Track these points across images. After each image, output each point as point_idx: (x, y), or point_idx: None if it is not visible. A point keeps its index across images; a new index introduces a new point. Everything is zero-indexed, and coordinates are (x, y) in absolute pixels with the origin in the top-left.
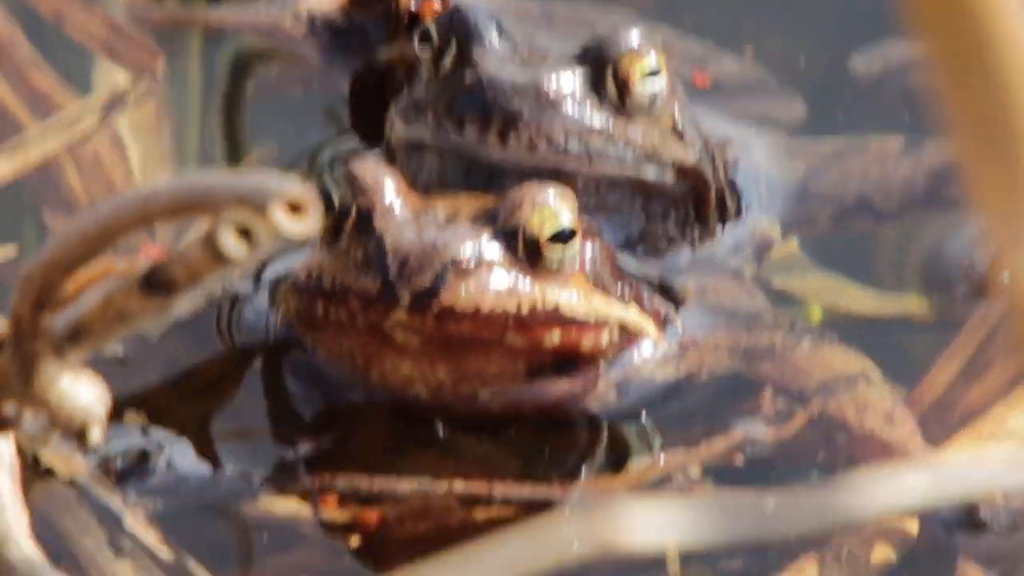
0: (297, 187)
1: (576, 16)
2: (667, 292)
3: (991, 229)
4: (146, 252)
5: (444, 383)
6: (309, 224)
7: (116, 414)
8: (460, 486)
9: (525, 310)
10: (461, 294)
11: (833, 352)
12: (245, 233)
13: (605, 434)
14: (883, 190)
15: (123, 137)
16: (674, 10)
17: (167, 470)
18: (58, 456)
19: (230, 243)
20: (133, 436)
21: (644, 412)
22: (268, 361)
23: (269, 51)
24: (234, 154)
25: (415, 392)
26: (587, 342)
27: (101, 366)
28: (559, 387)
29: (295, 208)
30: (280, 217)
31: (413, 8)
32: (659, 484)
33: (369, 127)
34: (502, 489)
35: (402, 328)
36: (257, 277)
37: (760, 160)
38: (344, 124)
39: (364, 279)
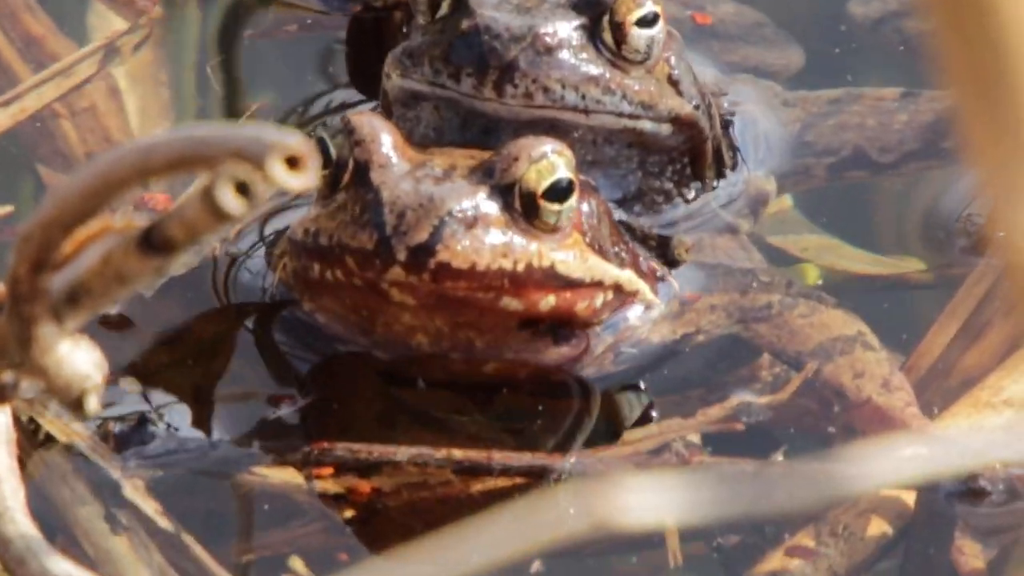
0: (295, 140)
1: None
2: (663, 249)
3: (986, 183)
4: (152, 201)
5: (443, 331)
6: (308, 177)
7: (112, 378)
8: (458, 455)
9: (521, 268)
10: (457, 249)
11: (830, 315)
12: (243, 188)
13: (600, 401)
14: (880, 141)
15: (120, 87)
16: None
17: (166, 436)
18: (56, 423)
19: (228, 198)
20: (131, 401)
21: (640, 377)
22: (264, 322)
23: None
24: (232, 104)
25: (416, 342)
26: (582, 303)
27: (96, 327)
28: (554, 351)
29: (293, 161)
30: (278, 171)
31: None
32: (656, 453)
33: (366, 75)
34: (500, 458)
35: (399, 286)
36: (253, 236)
37: (757, 111)
38: (342, 72)
39: (361, 235)
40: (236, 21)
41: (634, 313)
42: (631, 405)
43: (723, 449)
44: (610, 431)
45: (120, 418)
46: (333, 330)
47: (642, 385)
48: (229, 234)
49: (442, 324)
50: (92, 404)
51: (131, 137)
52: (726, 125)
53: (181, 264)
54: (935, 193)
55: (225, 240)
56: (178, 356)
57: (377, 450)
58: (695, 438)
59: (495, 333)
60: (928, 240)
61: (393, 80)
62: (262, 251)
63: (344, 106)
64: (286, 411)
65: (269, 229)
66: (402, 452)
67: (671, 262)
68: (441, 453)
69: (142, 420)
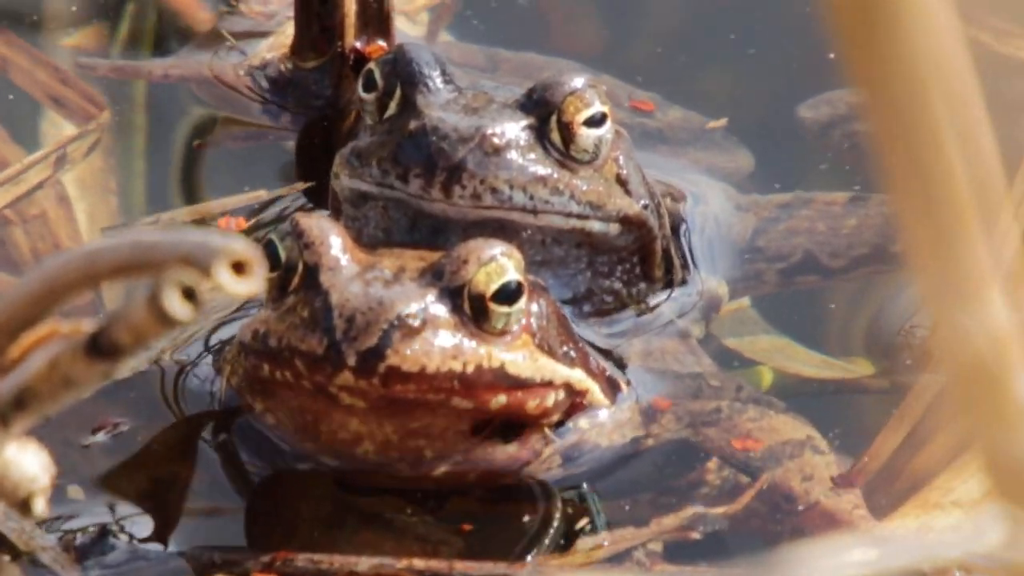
0: (241, 246)
1: (521, 63)
2: (612, 356)
3: (927, 294)
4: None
5: (391, 440)
6: (254, 284)
7: (59, 482)
8: (420, 564)
9: (471, 370)
10: (407, 354)
11: (779, 419)
12: (189, 293)
13: (550, 505)
14: (830, 246)
15: (69, 194)
16: (620, 60)
17: (126, 546)
18: (17, 533)
19: (175, 304)
20: (84, 508)
21: (589, 480)
22: (213, 428)
23: (214, 103)
24: (180, 209)
25: (363, 450)
26: (532, 403)
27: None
28: (504, 453)
29: (239, 267)
30: (225, 276)
31: (359, 46)
32: (617, 560)
33: (316, 177)
34: (461, 568)
35: (348, 390)
36: (201, 342)
37: (707, 214)
38: (291, 176)
39: (310, 339)
40: (184, 129)
41: (585, 416)
42: (582, 509)
43: (675, 554)
44: (562, 537)
45: (81, 529)
46: (283, 434)
47: (592, 489)
48: (178, 339)
49: (391, 432)
50: (39, 506)
51: (81, 243)
52: (677, 227)
53: (128, 368)
54: (881, 301)
55: (174, 345)
56: (128, 461)
57: (339, 560)
58: (656, 546)
59: (445, 440)
60: (875, 348)
61: (342, 180)
62: (210, 358)
63: (294, 209)
64: (237, 515)
65: (217, 335)
66: (363, 562)
67: (621, 366)
68: (403, 563)
69: (103, 531)
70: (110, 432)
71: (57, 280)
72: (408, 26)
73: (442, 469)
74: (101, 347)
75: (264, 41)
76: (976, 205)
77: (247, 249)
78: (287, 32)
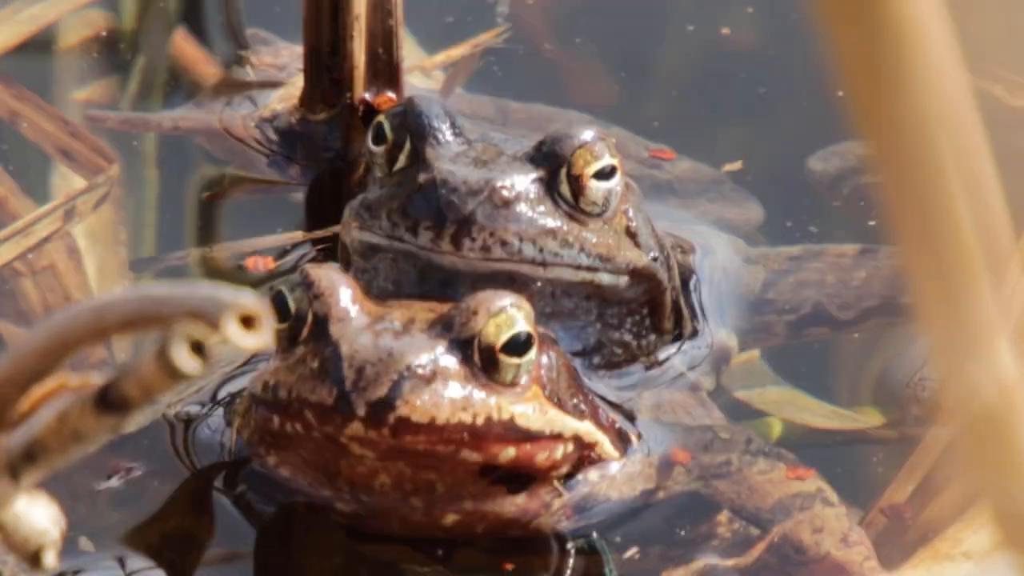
0: (250, 300)
1: (531, 115)
2: (622, 408)
3: (936, 345)
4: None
5: (406, 473)
6: (262, 337)
7: (70, 535)
8: None
9: (480, 422)
10: (417, 405)
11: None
12: (198, 347)
13: (560, 557)
14: (839, 298)
15: (79, 245)
16: (630, 111)
17: None
18: None
19: (183, 358)
20: (94, 561)
21: (600, 533)
22: (223, 479)
23: (223, 155)
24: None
25: (380, 482)
26: (542, 456)
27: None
28: (514, 505)
29: (248, 320)
30: (234, 330)
31: (369, 98)
32: None
33: (325, 229)
34: None
35: (358, 441)
36: (211, 394)
37: (717, 266)
38: (301, 227)
39: (320, 390)
40: (194, 181)
41: (595, 469)
42: (592, 562)
43: None
44: None
45: None
46: (295, 484)
47: (603, 541)
48: (187, 392)
49: (404, 467)
50: (50, 559)
51: (90, 295)
52: (687, 279)
53: (136, 422)
54: (890, 353)
55: (183, 397)
56: (138, 513)
57: None
58: None
59: (456, 476)
60: (884, 399)
61: (351, 233)
62: (220, 410)
63: (303, 259)
64: (247, 568)
65: (228, 387)
66: None
67: (631, 419)
68: None
69: None
70: (123, 477)
71: (66, 334)
72: (423, 80)
73: (452, 518)
74: (110, 400)
75: (274, 93)
76: (984, 257)
77: (255, 303)
78: (297, 84)
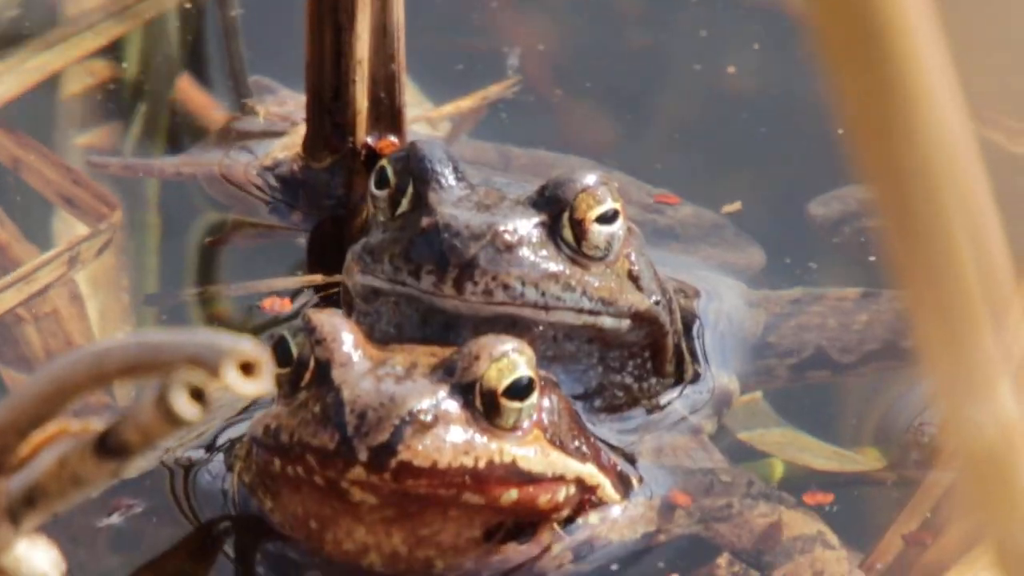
0: (249, 347)
1: (533, 160)
2: (624, 452)
3: (938, 389)
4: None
5: (399, 551)
6: (262, 384)
7: None
8: None
9: (482, 465)
10: (419, 449)
11: (790, 514)
12: (197, 393)
13: None
14: (840, 342)
15: (81, 291)
16: (632, 156)
17: None
18: None
19: (183, 404)
20: None
21: None
22: (226, 529)
23: (225, 201)
24: (193, 309)
25: (368, 562)
26: (544, 498)
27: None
28: (515, 552)
29: (247, 367)
30: (233, 377)
31: (371, 143)
32: None
33: (328, 274)
34: None
35: (360, 485)
36: (211, 440)
37: (719, 310)
38: (303, 271)
39: (322, 435)
40: (196, 227)
41: (596, 512)
42: None
43: None
44: None
45: None
46: (288, 537)
47: None
48: (186, 437)
49: (399, 542)
50: None
51: (93, 341)
52: (689, 323)
53: (136, 468)
54: (891, 397)
55: (184, 442)
56: (135, 559)
57: None
58: None
59: (456, 549)
60: (887, 442)
61: (354, 277)
62: (221, 455)
63: (306, 305)
64: None
65: (229, 432)
66: None
67: (632, 462)
68: None
69: None
70: (124, 514)
71: (65, 380)
72: (429, 131)
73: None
74: (110, 446)
75: (277, 141)
76: (986, 300)
77: (255, 350)
78: (300, 132)
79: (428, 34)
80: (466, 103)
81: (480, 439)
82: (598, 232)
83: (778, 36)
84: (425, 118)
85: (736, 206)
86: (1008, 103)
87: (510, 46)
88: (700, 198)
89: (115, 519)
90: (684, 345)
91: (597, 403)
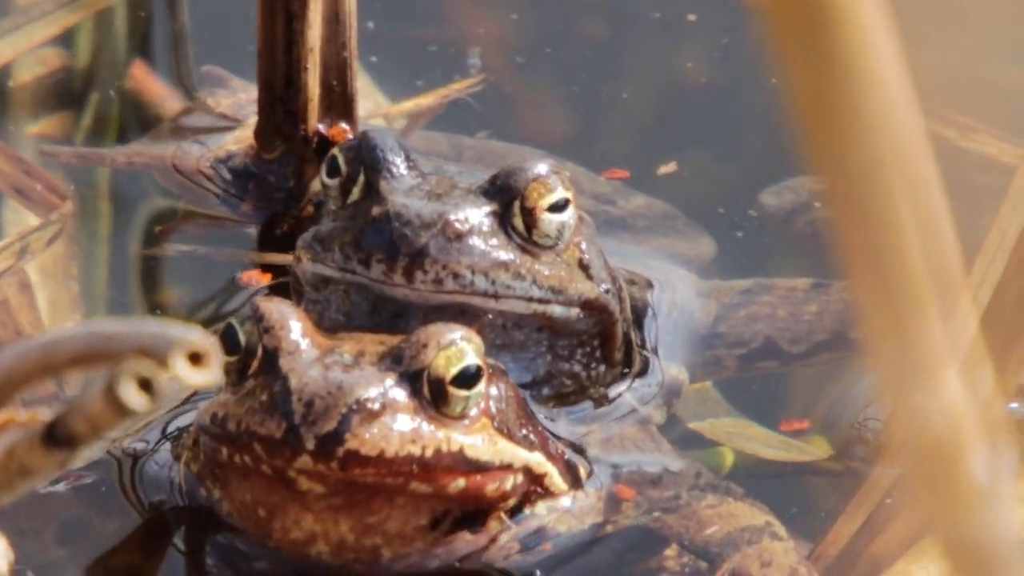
0: (198, 337)
1: (485, 150)
2: (572, 442)
3: (885, 379)
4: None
5: (347, 540)
6: (210, 374)
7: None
8: None
9: (430, 454)
10: (366, 438)
11: (738, 505)
12: (146, 383)
13: None
14: (790, 332)
15: (31, 281)
16: (584, 148)
17: None
18: None
19: (131, 394)
20: None
21: (548, 568)
22: (174, 519)
23: (176, 191)
24: (142, 298)
25: (316, 551)
26: (491, 487)
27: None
28: (463, 541)
29: (196, 357)
30: (181, 367)
31: (323, 130)
32: None
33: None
34: None
35: (307, 474)
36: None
37: (672, 300)
38: (252, 262)
39: (269, 423)
40: (146, 217)
41: (544, 502)
42: None
43: None
44: None
45: None
46: (235, 528)
47: None
48: (134, 427)
49: (346, 531)
50: None
51: (43, 330)
52: (640, 313)
53: (83, 458)
54: (838, 390)
55: (132, 433)
56: (84, 551)
57: None
58: None
59: (403, 536)
60: (834, 432)
61: (303, 264)
62: (168, 444)
63: (254, 293)
64: None
65: (176, 422)
66: None
67: (581, 453)
68: None
69: None
70: (71, 483)
71: (13, 370)
72: (384, 125)
73: (399, 566)
74: (58, 437)
75: (229, 134)
76: (934, 290)
77: (204, 340)
78: (251, 124)
79: (382, 23)
80: (426, 100)
81: (427, 427)
82: (549, 221)
83: (734, 27)
84: (382, 115)
85: (671, 167)
86: (958, 99)
87: (468, 39)
88: (651, 189)
89: (61, 487)
90: (633, 334)
91: (546, 391)
